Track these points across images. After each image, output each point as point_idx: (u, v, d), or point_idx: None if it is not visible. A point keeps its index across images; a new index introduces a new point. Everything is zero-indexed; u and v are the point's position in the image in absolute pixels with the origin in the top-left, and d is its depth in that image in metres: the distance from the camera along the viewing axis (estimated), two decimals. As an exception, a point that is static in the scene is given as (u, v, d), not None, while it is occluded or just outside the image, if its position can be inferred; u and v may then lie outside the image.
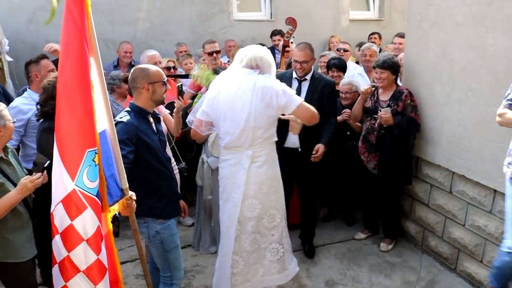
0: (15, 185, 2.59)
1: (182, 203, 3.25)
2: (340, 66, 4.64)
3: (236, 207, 3.02)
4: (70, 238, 2.18)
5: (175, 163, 3.68)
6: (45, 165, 2.61)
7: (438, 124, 3.85)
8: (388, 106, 3.91)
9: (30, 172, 2.73)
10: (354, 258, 4.13)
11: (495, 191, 3.36)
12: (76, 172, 2.13)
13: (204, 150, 4.05)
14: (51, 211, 2.25)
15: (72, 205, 2.16)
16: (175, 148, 3.76)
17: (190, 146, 4.78)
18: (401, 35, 5.65)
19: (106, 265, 2.28)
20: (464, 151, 3.58)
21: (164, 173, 2.85)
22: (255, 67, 2.95)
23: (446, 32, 3.68)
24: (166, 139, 3.49)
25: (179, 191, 3.32)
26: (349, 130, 4.38)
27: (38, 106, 3.07)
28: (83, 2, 2.08)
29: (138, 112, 2.72)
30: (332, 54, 5.55)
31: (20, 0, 5.90)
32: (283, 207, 3.22)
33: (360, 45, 5.87)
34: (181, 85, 3.51)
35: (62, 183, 2.16)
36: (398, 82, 4.27)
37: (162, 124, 3.37)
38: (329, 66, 4.71)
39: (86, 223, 2.18)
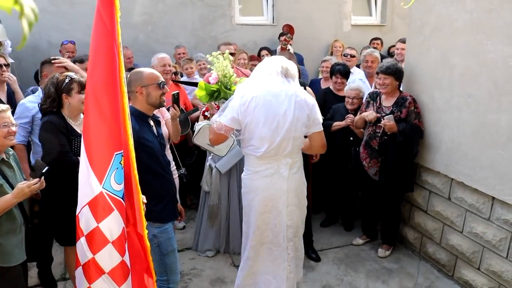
0: (13, 188, 2.59)
1: (179, 206, 3.25)
2: (344, 72, 4.66)
3: (281, 215, 2.98)
4: (96, 240, 2.17)
5: (175, 167, 3.68)
6: (43, 171, 2.61)
7: (438, 130, 3.84)
8: (392, 112, 3.89)
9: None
10: (352, 263, 4.11)
11: (493, 198, 3.35)
12: (104, 175, 2.13)
13: (209, 156, 4.03)
14: (76, 214, 2.24)
15: (99, 207, 2.16)
16: (176, 153, 3.75)
17: (191, 151, 4.79)
18: (404, 41, 5.64)
19: (130, 266, 2.26)
20: (463, 158, 3.57)
21: (163, 177, 2.85)
22: (288, 76, 2.93)
23: (446, 38, 3.68)
24: (167, 142, 3.50)
25: (177, 195, 3.32)
26: (352, 136, 4.38)
27: (40, 107, 3.11)
28: (113, 5, 2.06)
29: (137, 116, 2.72)
30: (334, 59, 5.56)
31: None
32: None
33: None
34: (177, 93, 3.47)
35: (89, 186, 2.15)
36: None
37: (164, 128, 3.38)
38: (333, 71, 4.72)
39: (112, 225, 2.18)
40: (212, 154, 3.91)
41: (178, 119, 3.53)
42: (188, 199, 5.20)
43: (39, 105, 3.09)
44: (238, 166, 3.95)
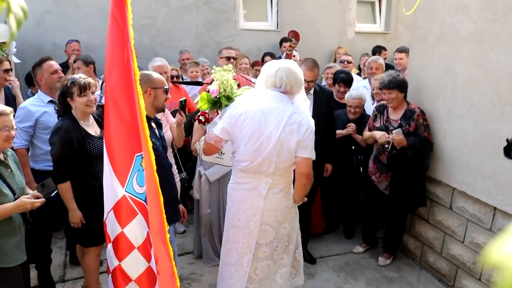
0: (10, 188, 2.60)
1: (181, 207, 3.25)
2: (348, 81, 4.66)
3: (252, 234, 2.85)
4: (122, 246, 2.14)
5: (176, 170, 3.67)
6: (52, 194, 2.66)
7: (440, 139, 3.83)
8: (400, 126, 3.80)
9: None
10: (352, 271, 4.09)
11: (495, 208, 3.33)
12: (126, 178, 2.11)
13: (200, 161, 3.92)
14: (104, 220, 2.22)
15: (123, 211, 2.13)
16: (178, 157, 3.74)
17: (189, 156, 4.78)
18: (401, 50, 5.66)
19: (156, 273, 2.21)
20: (465, 167, 3.56)
21: (165, 179, 2.85)
22: (289, 91, 2.73)
23: (450, 47, 3.67)
24: (170, 146, 3.50)
25: (179, 197, 3.32)
26: (354, 144, 4.36)
27: (55, 108, 3.16)
28: (125, 7, 2.05)
29: None
30: (338, 66, 5.57)
31: (28, 4, 5.94)
32: (298, 232, 3.07)
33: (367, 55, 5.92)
34: (185, 100, 3.44)
35: (113, 190, 2.14)
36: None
37: (168, 132, 3.38)
38: (336, 80, 4.71)
39: (136, 229, 2.15)
40: (200, 159, 3.83)
41: (182, 125, 3.52)
42: (189, 203, 5.19)
43: (56, 110, 3.12)
44: (228, 178, 3.84)
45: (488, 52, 3.30)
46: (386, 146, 3.76)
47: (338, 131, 4.33)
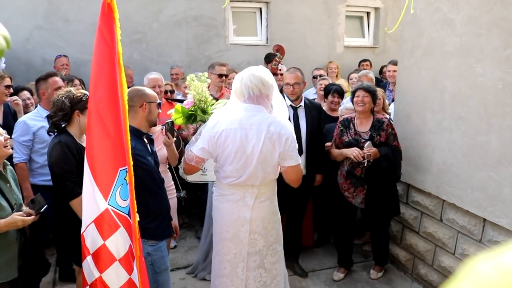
0: (9, 203, 2.57)
1: (174, 223, 3.23)
2: (341, 92, 4.69)
3: (242, 244, 2.84)
4: (103, 258, 2.16)
5: (174, 188, 3.64)
6: (42, 210, 2.60)
7: (429, 152, 3.87)
8: (371, 137, 3.78)
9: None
10: (344, 285, 4.08)
11: (484, 220, 3.35)
12: (109, 191, 2.13)
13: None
14: (81, 232, 2.22)
15: (105, 224, 2.15)
16: (175, 175, 3.68)
17: None
18: (394, 63, 5.72)
19: (138, 285, 2.23)
20: (454, 179, 3.59)
21: (158, 194, 2.84)
22: (260, 98, 2.69)
23: (437, 61, 3.73)
24: (166, 163, 3.48)
25: (170, 213, 3.30)
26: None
27: (49, 119, 2.97)
28: (114, 23, 2.07)
29: (134, 133, 2.70)
30: (329, 79, 5.60)
31: (18, 19, 5.98)
32: (282, 239, 3.08)
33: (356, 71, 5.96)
34: (172, 122, 3.33)
35: (94, 203, 2.15)
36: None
37: (163, 150, 3.37)
38: (329, 91, 4.70)
39: (119, 242, 2.17)
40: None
41: (173, 144, 3.49)
42: (180, 218, 5.15)
43: (48, 116, 2.96)
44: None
45: (474, 66, 3.36)
46: (364, 161, 3.69)
47: (327, 144, 4.31)
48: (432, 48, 3.79)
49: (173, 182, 3.64)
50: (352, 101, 3.93)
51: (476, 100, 3.35)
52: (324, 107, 4.79)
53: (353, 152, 3.71)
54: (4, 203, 2.53)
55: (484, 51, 3.26)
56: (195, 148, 2.74)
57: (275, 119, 2.69)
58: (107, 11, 2.04)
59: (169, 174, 3.61)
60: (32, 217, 2.56)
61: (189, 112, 2.97)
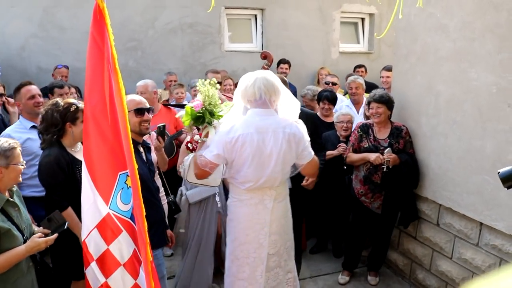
0: (19, 229, 2.40)
1: (169, 232, 3.21)
2: (332, 98, 4.68)
3: (262, 247, 2.87)
4: (107, 263, 2.15)
5: (164, 193, 3.64)
6: (64, 227, 2.47)
7: (425, 156, 3.88)
8: (390, 145, 3.81)
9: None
10: (342, 290, 4.07)
11: (481, 223, 3.36)
12: (109, 196, 2.13)
13: (184, 181, 3.85)
14: (83, 239, 2.21)
15: (108, 229, 2.15)
16: (164, 180, 3.69)
17: (179, 178, 4.75)
18: (388, 69, 5.74)
19: None
20: (450, 184, 3.60)
21: (152, 203, 2.84)
22: (269, 101, 2.74)
23: (432, 66, 3.75)
24: (156, 169, 3.47)
25: (166, 221, 3.28)
26: (345, 164, 4.34)
27: (41, 135, 2.93)
28: (106, 30, 2.07)
29: None
30: (318, 88, 5.59)
31: (13, 27, 5.97)
32: (292, 234, 3.13)
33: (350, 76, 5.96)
34: (163, 125, 3.37)
35: (96, 209, 2.15)
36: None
37: (153, 154, 3.36)
38: (320, 97, 4.74)
39: (122, 247, 2.17)
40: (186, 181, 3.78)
41: (163, 149, 3.48)
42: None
43: (39, 132, 2.90)
44: (211, 202, 3.78)
45: (468, 71, 3.37)
46: (383, 166, 3.74)
47: (329, 152, 4.32)
48: (426, 54, 3.81)
49: (163, 188, 3.63)
50: (365, 113, 4.00)
51: (471, 105, 3.37)
52: (319, 113, 4.80)
53: (373, 156, 3.76)
54: (16, 233, 2.35)
55: (478, 56, 3.28)
56: (208, 154, 2.72)
57: (287, 121, 2.80)
58: (99, 17, 2.05)
59: (159, 180, 3.58)
60: (53, 236, 2.41)
61: (198, 114, 3.00)
